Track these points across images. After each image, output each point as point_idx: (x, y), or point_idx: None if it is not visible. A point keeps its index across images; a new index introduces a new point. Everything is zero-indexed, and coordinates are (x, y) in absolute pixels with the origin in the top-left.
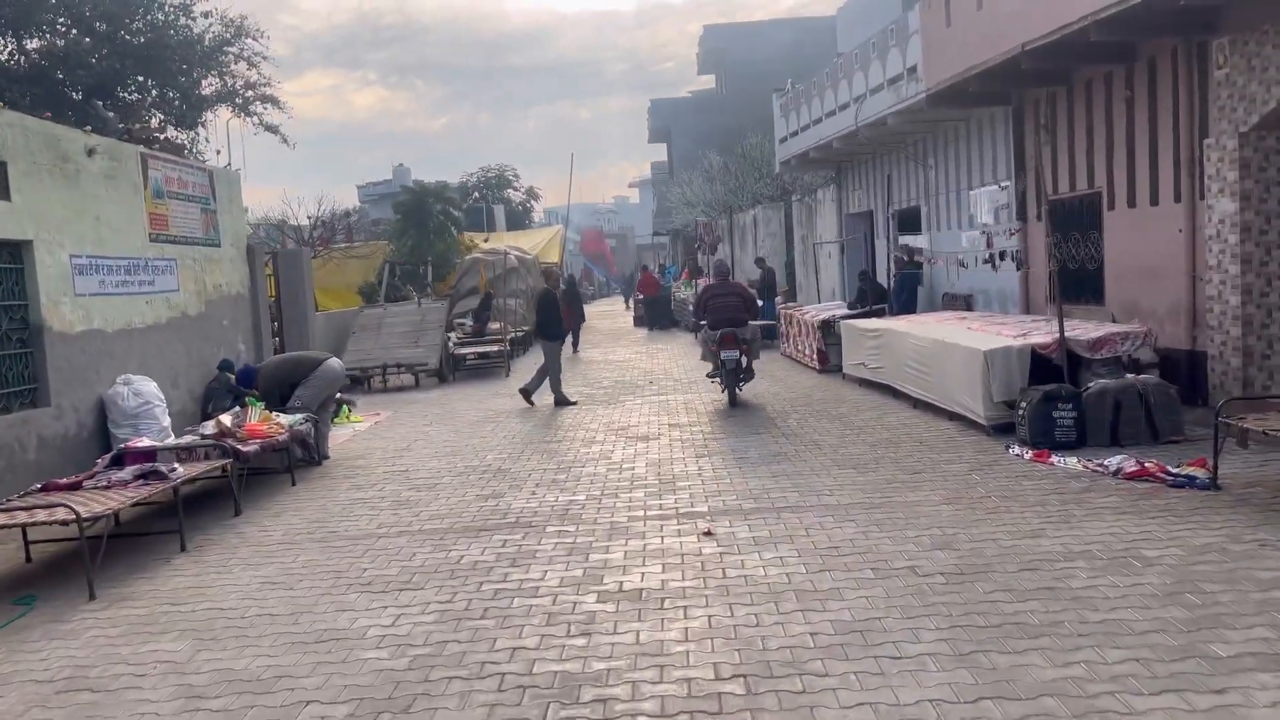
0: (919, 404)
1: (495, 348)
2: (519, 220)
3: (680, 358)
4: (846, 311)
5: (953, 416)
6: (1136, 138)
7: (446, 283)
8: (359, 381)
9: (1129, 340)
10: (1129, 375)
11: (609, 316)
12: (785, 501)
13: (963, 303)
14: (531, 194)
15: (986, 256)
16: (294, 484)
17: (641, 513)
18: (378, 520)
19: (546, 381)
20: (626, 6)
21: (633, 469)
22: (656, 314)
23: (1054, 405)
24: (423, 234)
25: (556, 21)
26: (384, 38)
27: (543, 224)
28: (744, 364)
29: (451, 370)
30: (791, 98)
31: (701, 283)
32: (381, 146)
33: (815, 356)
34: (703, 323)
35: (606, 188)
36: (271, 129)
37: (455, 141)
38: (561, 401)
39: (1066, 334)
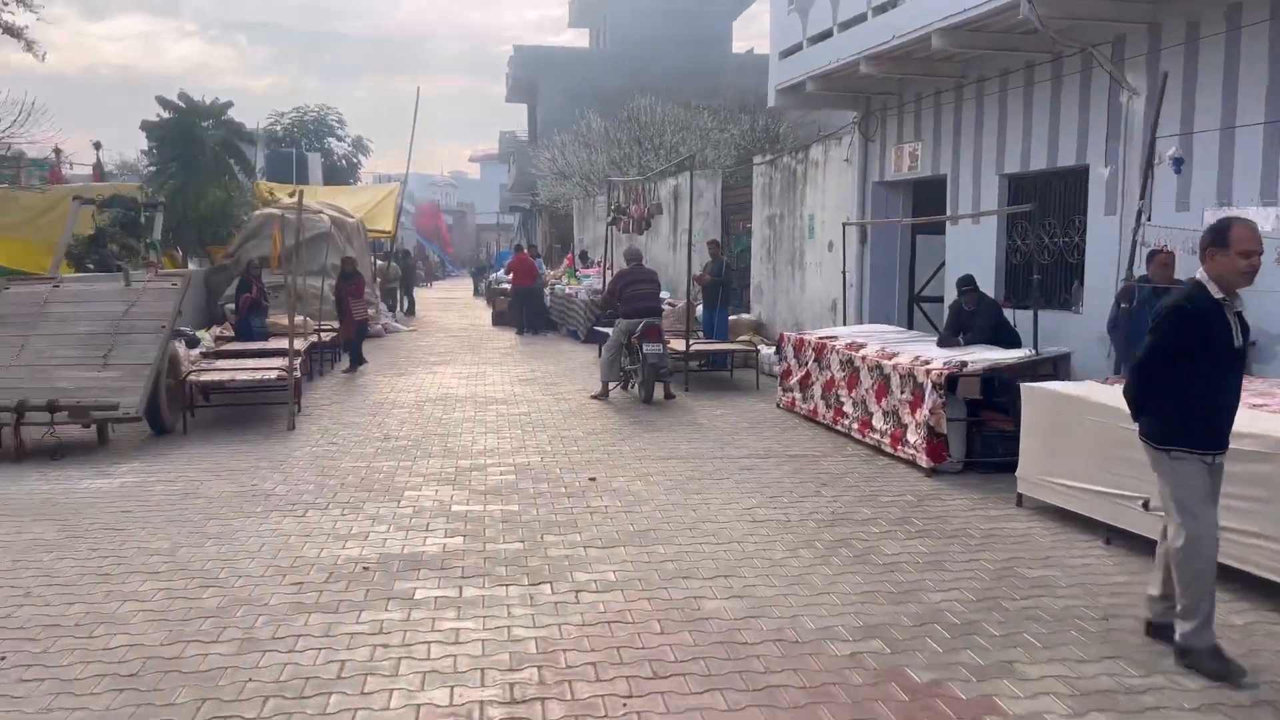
0: None
1: (272, 372)
2: (341, 176)
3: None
4: (986, 357)
5: None
6: None
7: (224, 249)
8: None
9: None
10: None
11: (453, 307)
12: None
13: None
14: (360, 146)
15: None
16: None
17: None
18: None
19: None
20: None
21: None
22: (533, 312)
23: None
24: (190, 174)
25: None
26: None
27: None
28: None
29: (183, 412)
30: None
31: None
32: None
33: (924, 443)
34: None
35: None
36: (14, 32)
37: (281, 104)
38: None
39: None
